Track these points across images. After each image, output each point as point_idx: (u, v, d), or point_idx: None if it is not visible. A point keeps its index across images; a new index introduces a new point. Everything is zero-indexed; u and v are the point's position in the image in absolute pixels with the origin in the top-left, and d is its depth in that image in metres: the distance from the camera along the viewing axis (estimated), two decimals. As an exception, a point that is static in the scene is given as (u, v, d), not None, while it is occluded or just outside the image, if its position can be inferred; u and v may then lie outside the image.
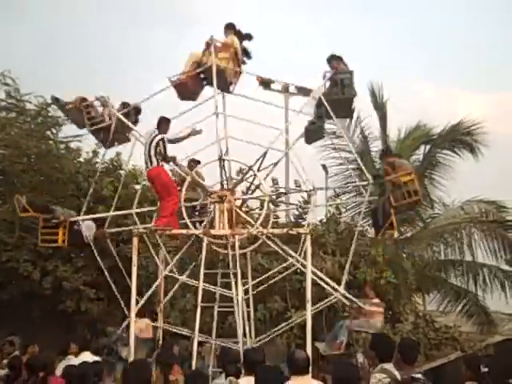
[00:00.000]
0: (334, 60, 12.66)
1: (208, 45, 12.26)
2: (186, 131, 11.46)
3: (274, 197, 13.57)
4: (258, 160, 12.48)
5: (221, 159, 12.18)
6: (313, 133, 13.06)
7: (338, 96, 12.37)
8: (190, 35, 75.43)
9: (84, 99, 12.85)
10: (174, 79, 12.36)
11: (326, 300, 12.18)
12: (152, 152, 10.90)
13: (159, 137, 11.04)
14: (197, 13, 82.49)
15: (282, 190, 14.86)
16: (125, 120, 12.32)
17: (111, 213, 13.02)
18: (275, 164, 12.88)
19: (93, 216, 12.89)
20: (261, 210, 12.63)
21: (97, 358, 9.64)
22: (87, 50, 66.77)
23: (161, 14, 77.36)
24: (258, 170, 12.57)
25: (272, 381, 6.14)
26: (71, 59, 62.71)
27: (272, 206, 13.40)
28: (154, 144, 10.92)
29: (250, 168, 12.30)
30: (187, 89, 12.38)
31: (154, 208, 12.61)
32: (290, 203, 14.87)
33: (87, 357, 9.44)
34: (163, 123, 11.33)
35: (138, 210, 12.98)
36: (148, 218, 13.85)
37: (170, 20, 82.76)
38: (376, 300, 12.34)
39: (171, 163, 11.91)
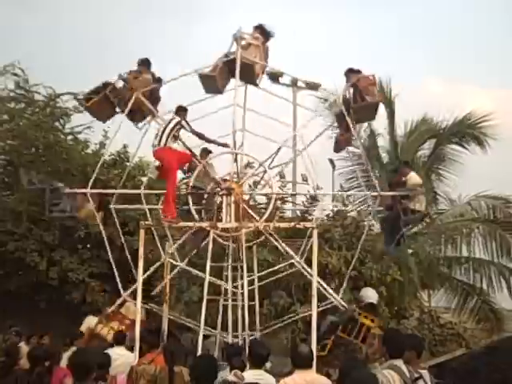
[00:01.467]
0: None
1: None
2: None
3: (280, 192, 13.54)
4: (271, 157, 12.44)
5: (234, 152, 12.13)
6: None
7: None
8: (202, 26, 75.46)
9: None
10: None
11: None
12: (166, 131, 10.96)
13: (177, 119, 11.13)
14: (208, 4, 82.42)
15: (289, 185, 14.90)
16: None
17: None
18: (286, 163, 12.92)
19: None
20: (268, 205, 12.56)
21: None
22: (97, 40, 66.75)
23: (172, 5, 77.37)
24: (269, 167, 12.54)
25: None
26: (80, 48, 62.66)
27: (279, 203, 13.36)
28: (171, 125, 11.01)
29: (262, 164, 12.25)
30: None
31: (162, 191, 12.42)
32: (296, 203, 14.87)
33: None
34: (180, 111, 11.43)
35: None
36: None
37: (182, 11, 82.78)
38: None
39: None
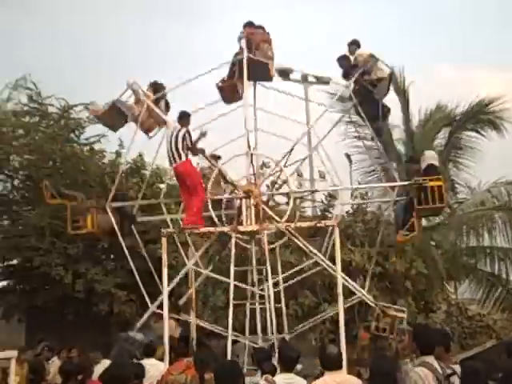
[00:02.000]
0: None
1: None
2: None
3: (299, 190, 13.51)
4: (285, 155, 12.40)
5: (249, 153, 12.10)
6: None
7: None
8: (203, 29, 75.48)
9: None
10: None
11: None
12: (180, 145, 10.91)
13: (184, 129, 11.05)
14: (209, 6, 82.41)
15: (307, 183, 14.85)
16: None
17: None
18: (302, 160, 12.88)
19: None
20: (287, 204, 12.51)
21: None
22: (100, 44, 66.99)
23: (174, 7, 77.41)
24: (285, 166, 12.50)
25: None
26: (84, 55, 62.88)
27: (298, 201, 13.34)
28: (180, 138, 10.93)
29: (277, 163, 12.22)
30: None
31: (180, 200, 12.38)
32: (315, 200, 14.83)
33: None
34: (184, 117, 11.33)
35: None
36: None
37: (183, 14, 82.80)
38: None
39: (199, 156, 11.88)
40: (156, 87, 12.41)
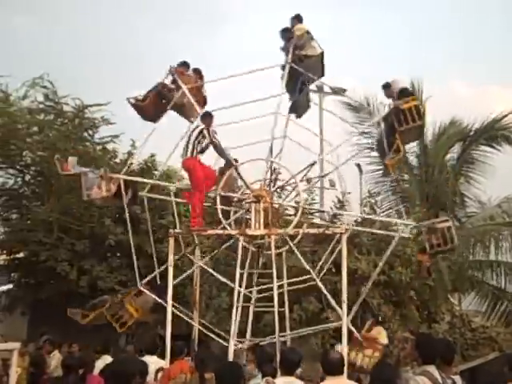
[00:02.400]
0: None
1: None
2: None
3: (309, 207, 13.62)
4: (303, 170, 12.42)
5: (270, 160, 12.16)
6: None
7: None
8: (218, 33, 75.86)
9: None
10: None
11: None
12: (190, 144, 11.04)
13: (199, 128, 11.22)
14: (223, 11, 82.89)
15: (317, 190, 14.93)
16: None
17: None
18: (314, 183, 12.96)
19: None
20: (295, 214, 12.53)
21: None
22: (114, 49, 67.52)
23: (187, 12, 77.90)
24: (301, 180, 12.54)
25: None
26: (98, 58, 63.43)
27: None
28: (193, 136, 11.08)
29: (293, 176, 12.22)
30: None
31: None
32: (323, 211, 14.92)
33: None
34: (207, 118, 11.46)
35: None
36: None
37: (197, 19, 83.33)
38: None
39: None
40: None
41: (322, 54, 12.26)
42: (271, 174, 12.31)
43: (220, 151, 11.63)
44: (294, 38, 12.22)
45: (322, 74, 12.60)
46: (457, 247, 12.83)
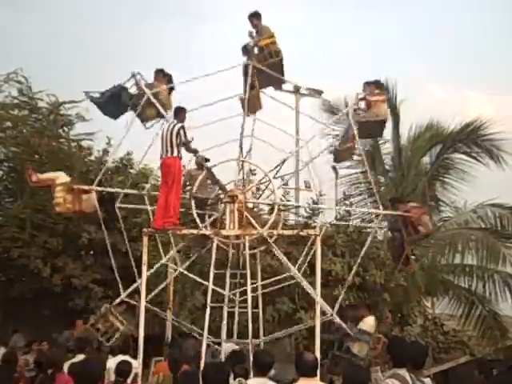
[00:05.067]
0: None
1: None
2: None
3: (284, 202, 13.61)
4: (276, 167, 12.43)
5: (241, 160, 12.16)
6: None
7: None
8: (200, 32, 75.74)
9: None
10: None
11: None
12: (174, 141, 10.91)
13: (179, 125, 11.05)
14: (206, 11, 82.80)
15: (291, 192, 14.97)
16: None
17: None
18: (291, 174, 12.96)
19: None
20: (271, 213, 12.56)
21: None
22: (96, 45, 67.01)
23: (171, 10, 77.67)
24: (274, 177, 12.54)
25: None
26: (80, 53, 62.91)
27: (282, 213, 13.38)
28: (175, 133, 10.94)
29: (267, 174, 12.23)
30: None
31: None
32: (299, 214, 14.96)
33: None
34: (180, 113, 11.37)
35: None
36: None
37: (180, 17, 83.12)
38: None
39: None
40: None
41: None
42: (243, 174, 12.32)
43: (192, 151, 11.62)
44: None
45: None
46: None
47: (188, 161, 12.47)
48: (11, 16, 62.01)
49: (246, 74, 12.15)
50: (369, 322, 11.54)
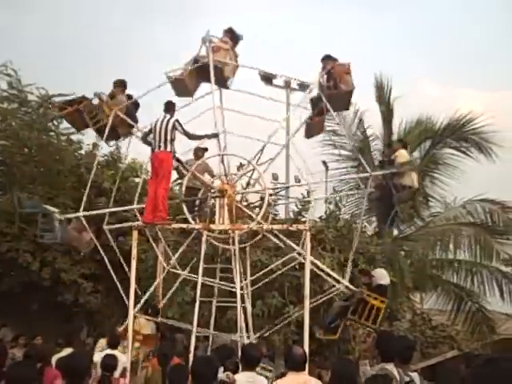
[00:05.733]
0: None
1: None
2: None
3: (274, 191, 13.61)
4: (257, 154, 12.46)
5: (220, 154, 12.19)
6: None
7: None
8: (196, 27, 75.62)
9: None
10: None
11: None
12: (169, 137, 10.93)
13: (174, 119, 11.10)
14: (202, 6, 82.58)
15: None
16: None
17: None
18: (275, 157, 12.91)
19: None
20: (261, 203, 12.58)
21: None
22: (92, 41, 66.77)
23: (167, 5, 77.41)
24: (258, 164, 12.55)
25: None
26: (75, 50, 62.70)
27: (272, 200, 13.42)
28: (170, 128, 10.95)
29: (250, 162, 12.27)
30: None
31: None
32: (289, 197, 14.92)
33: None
34: (171, 107, 11.47)
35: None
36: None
37: (176, 12, 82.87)
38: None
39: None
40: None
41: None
42: (225, 168, 12.33)
43: (197, 137, 11.70)
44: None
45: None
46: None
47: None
48: (11, 18, 61.71)
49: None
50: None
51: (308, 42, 74.62)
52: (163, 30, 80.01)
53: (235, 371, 7.46)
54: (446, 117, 20.84)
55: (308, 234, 11.19)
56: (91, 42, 67.87)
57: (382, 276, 12.22)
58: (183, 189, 12.11)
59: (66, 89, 17.78)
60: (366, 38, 74.80)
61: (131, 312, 10.86)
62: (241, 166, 13.35)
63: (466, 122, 20.55)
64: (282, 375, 7.07)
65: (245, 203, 13.62)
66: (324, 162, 19.30)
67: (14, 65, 17.16)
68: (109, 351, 9.71)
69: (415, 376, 6.71)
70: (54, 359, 8.75)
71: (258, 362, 7.32)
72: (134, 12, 77.39)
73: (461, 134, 20.77)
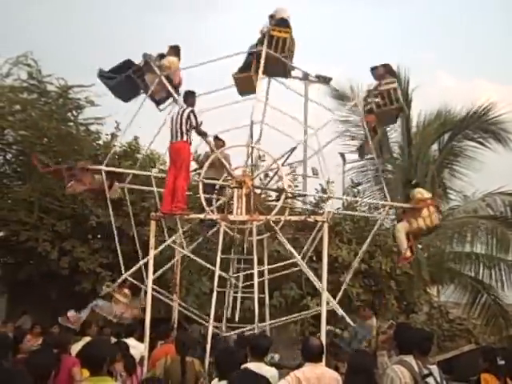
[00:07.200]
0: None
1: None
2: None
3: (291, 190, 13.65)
4: (285, 155, 12.40)
5: (251, 146, 12.18)
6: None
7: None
8: (208, 21, 75.54)
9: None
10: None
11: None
12: (184, 127, 10.88)
13: (189, 109, 11.04)
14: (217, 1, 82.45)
15: (299, 178, 14.96)
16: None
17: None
18: (299, 162, 12.96)
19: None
20: (278, 199, 12.55)
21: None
22: (106, 32, 66.96)
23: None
24: (283, 165, 12.53)
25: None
26: (90, 41, 62.88)
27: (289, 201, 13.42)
28: (184, 117, 10.91)
29: (275, 161, 12.19)
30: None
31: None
32: (306, 202, 14.99)
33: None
34: (190, 97, 11.40)
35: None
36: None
37: (188, 6, 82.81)
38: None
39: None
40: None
41: None
42: (252, 160, 12.32)
43: (203, 133, 11.65)
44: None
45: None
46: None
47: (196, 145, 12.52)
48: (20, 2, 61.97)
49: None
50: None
51: (322, 36, 74.19)
52: (175, 24, 79.93)
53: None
54: (464, 107, 20.69)
55: (326, 225, 11.15)
56: (103, 27, 67.92)
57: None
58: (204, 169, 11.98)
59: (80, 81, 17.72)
60: (382, 31, 74.26)
61: (149, 301, 10.91)
62: (260, 157, 13.35)
63: (485, 111, 20.37)
64: (299, 366, 7.04)
65: (263, 195, 13.63)
66: (342, 154, 19.30)
67: (24, 48, 17.19)
68: (126, 341, 9.80)
69: (434, 369, 6.67)
70: (73, 348, 8.81)
71: (266, 352, 7.28)
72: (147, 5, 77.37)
73: (480, 124, 20.59)
